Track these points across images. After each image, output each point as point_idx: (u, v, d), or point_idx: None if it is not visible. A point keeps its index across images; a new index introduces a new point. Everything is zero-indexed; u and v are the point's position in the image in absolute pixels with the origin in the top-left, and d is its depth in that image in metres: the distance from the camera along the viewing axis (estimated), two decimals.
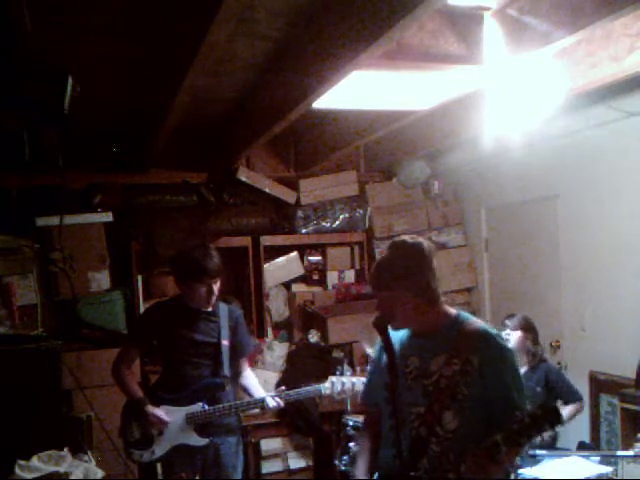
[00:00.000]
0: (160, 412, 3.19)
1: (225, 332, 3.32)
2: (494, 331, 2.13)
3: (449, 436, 2.02)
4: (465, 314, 2.18)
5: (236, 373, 3.45)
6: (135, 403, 3.25)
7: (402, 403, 2.08)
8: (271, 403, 3.27)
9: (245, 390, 3.46)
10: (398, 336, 2.18)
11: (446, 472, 2.01)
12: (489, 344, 2.05)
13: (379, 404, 2.24)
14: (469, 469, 1.88)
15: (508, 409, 1.95)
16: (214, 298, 3.28)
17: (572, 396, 3.81)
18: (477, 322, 2.14)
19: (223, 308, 3.38)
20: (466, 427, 2.01)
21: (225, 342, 3.31)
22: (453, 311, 2.17)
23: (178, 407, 3.22)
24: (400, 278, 2.07)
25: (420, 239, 2.14)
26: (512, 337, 3.83)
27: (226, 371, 3.30)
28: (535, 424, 1.81)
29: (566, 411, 3.74)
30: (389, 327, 2.08)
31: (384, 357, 2.14)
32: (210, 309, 3.33)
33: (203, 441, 3.22)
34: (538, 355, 3.87)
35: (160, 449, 3.22)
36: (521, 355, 3.85)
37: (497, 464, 1.82)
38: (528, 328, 3.88)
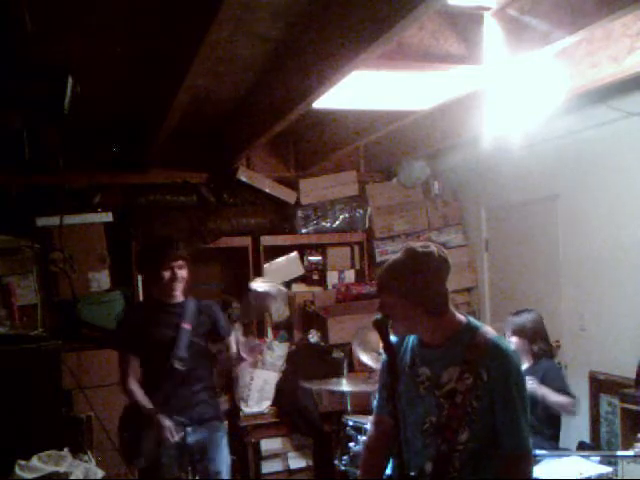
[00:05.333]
0: (171, 426, 3.14)
1: (188, 318, 3.22)
2: (504, 343, 2.11)
3: (460, 447, 2.03)
4: (475, 322, 2.14)
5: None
6: (146, 415, 3.16)
7: (415, 412, 2.10)
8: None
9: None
10: (408, 345, 2.18)
11: (452, 479, 2.03)
12: (498, 359, 2.03)
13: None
14: None
15: (512, 424, 2.01)
16: (180, 286, 3.21)
17: (563, 391, 3.76)
18: (487, 333, 2.09)
19: (192, 301, 3.31)
20: (476, 438, 2.03)
21: (186, 325, 3.21)
22: (463, 319, 2.12)
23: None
24: (396, 282, 2.05)
25: (433, 248, 2.08)
26: (512, 342, 3.78)
27: (182, 352, 3.17)
28: None
29: (556, 397, 3.65)
30: (391, 332, 2.07)
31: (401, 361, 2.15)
32: (178, 301, 3.26)
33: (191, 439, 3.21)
34: (538, 353, 3.82)
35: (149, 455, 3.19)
36: (523, 357, 3.82)
37: None
38: (527, 334, 3.77)
